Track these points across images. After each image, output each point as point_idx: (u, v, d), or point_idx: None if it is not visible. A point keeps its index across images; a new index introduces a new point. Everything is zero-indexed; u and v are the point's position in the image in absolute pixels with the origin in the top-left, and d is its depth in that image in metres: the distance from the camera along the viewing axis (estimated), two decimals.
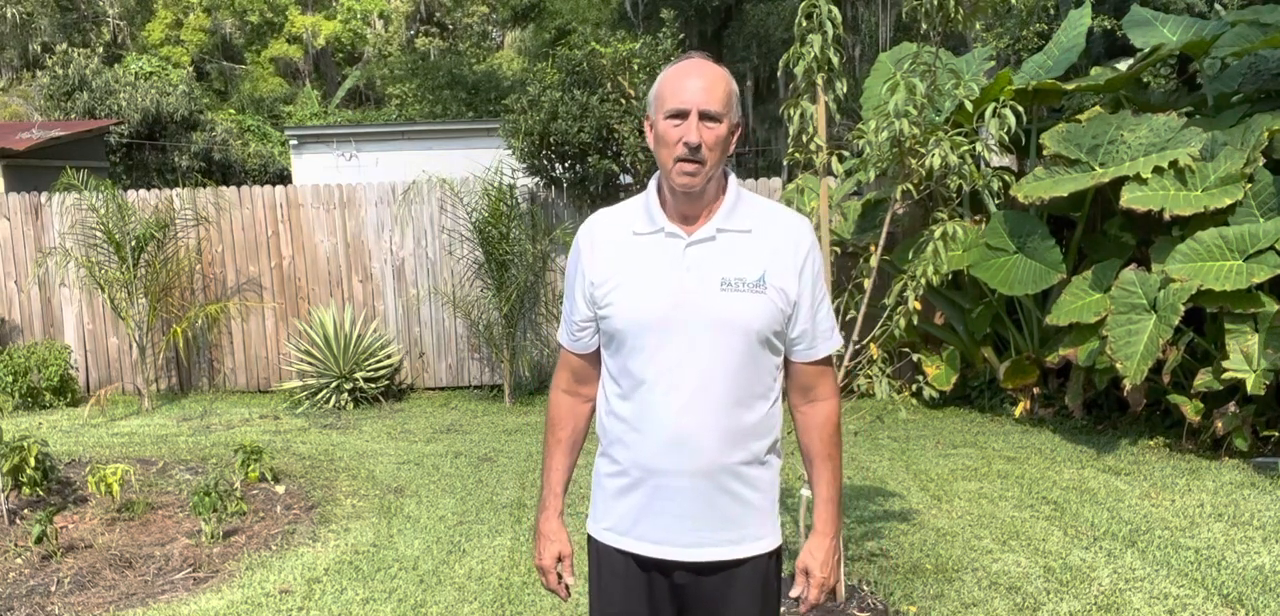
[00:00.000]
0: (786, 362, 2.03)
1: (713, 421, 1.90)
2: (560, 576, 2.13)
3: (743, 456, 1.94)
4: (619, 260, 1.95)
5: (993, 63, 8.42)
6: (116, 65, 22.38)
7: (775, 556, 2.05)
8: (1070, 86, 7.39)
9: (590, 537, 2.09)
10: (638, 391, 1.93)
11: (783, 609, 2.10)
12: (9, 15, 23.87)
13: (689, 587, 1.99)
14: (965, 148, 3.80)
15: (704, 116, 1.85)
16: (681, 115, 1.86)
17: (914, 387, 4.53)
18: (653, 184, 2.00)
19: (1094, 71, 7.72)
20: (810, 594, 2.03)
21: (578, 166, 8.79)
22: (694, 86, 1.86)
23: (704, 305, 1.88)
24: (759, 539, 1.99)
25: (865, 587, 4.22)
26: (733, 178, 2.00)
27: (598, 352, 2.06)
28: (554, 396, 2.15)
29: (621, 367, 1.97)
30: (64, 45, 21.85)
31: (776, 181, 8.92)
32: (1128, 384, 5.94)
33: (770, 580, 2.03)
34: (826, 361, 2.04)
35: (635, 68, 8.91)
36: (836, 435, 2.06)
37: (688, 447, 1.90)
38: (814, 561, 2.03)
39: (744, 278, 1.89)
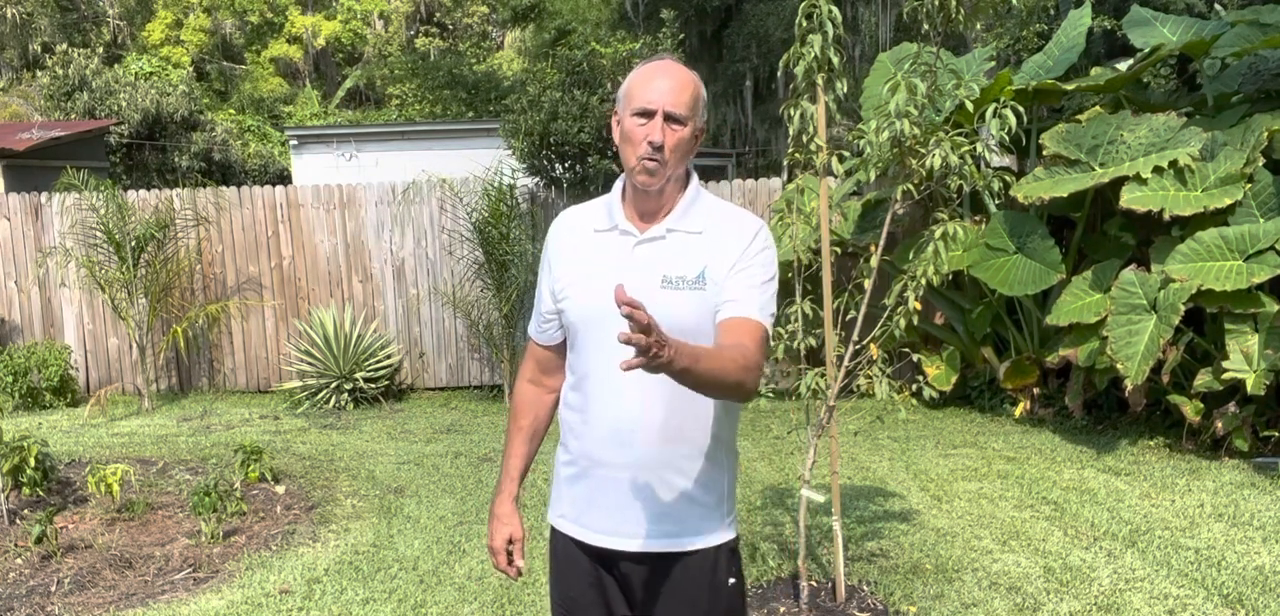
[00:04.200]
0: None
1: (651, 415, 1.93)
2: (511, 558, 2.18)
3: (683, 450, 1.96)
4: (577, 256, 2.02)
5: (993, 63, 8.42)
6: (116, 65, 22.39)
7: (727, 551, 2.04)
8: (1070, 86, 7.39)
9: (550, 524, 2.15)
10: (585, 383, 2.00)
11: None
12: (9, 15, 23.87)
13: (634, 578, 2.03)
14: (965, 148, 3.79)
15: (669, 118, 1.88)
16: (647, 114, 1.89)
17: (914, 388, 4.53)
18: (618, 183, 2.04)
19: (1094, 71, 7.72)
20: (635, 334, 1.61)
21: (578, 166, 8.79)
22: (661, 87, 1.89)
23: (645, 302, 1.82)
24: (703, 533, 2.01)
25: (865, 587, 4.22)
26: (695, 179, 2.02)
27: (563, 345, 2.12)
28: (519, 385, 2.22)
29: (574, 359, 2.03)
30: (64, 45, 21.86)
31: (776, 181, 8.91)
32: (1128, 384, 5.94)
33: (720, 574, 2.03)
34: (756, 327, 1.88)
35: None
36: (741, 361, 1.76)
37: (626, 439, 1.95)
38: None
39: (685, 276, 1.92)
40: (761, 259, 1.94)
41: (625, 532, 1.99)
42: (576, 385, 2.03)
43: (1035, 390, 7.33)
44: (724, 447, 2.04)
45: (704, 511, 2.01)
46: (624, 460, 1.96)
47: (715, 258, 1.92)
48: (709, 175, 13.91)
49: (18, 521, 5.27)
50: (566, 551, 2.10)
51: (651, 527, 1.98)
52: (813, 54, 3.65)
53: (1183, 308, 5.79)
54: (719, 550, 2.03)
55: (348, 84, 28.38)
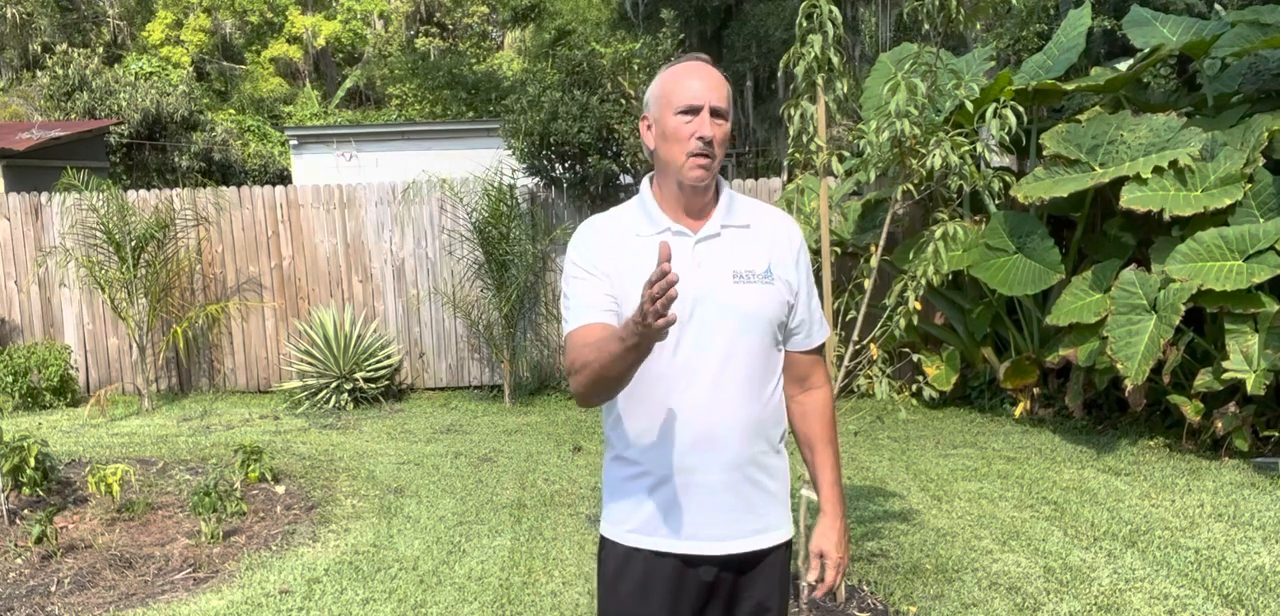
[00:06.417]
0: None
1: (736, 413, 1.94)
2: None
3: (762, 445, 1.99)
4: (625, 262, 1.93)
5: (993, 63, 8.41)
6: (116, 65, 22.39)
7: (789, 547, 2.09)
8: (1070, 86, 7.39)
9: (606, 541, 2.04)
10: (656, 389, 1.93)
11: (794, 603, 2.11)
12: (9, 15, 23.86)
13: (715, 583, 2.00)
14: (965, 148, 3.80)
15: (714, 113, 1.92)
16: (693, 111, 1.91)
17: (914, 388, 4.53)
18: (645, 188, 2.02)
19: (1094, 71, 7.71)
20: (828, 575, 2.07)
21: (578, 166, 8.79)
22: (701, 85, 1.93)
23: (719, 298, 1.92)
24: (779, 527, 2.05)
25: (865, 587, 4.22)
26: (721, 178, 2.06)
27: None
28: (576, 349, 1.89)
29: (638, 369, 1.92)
30: (64, 45, 21.85)
31: (776, 181, 8.91)
32: (1128, 384, 5.94)
33: (786, 570, 2.08)
34: (819, 350, 2.13)
35: (635, 68, 8.91)
36: (834, 420, 2.14)
37: (714, 440, 1.93)
38: (829, 543, 2.07)
39: (753, 270, 1.96)
40: (805, 259, 2.08)
41: (714, 535, 1.97)
42: (643, 395, 1.92)
43: (1035, 390, 7.32)
44: (786, 439, 2.08)
45: (779, 505, 2.05)
46: (713, 462, 1.94)
47: (774, 255, 2.00)
48: None
49: (18, 521, 5.27)
50: (631, 567, 1.99)
51: (739, 526, 1.98)
52: (813, 54, 3.65)
53: (1183, 307, 5.79)
54: (788, 545, 2.08)
55: (348, 84, 28.37)
